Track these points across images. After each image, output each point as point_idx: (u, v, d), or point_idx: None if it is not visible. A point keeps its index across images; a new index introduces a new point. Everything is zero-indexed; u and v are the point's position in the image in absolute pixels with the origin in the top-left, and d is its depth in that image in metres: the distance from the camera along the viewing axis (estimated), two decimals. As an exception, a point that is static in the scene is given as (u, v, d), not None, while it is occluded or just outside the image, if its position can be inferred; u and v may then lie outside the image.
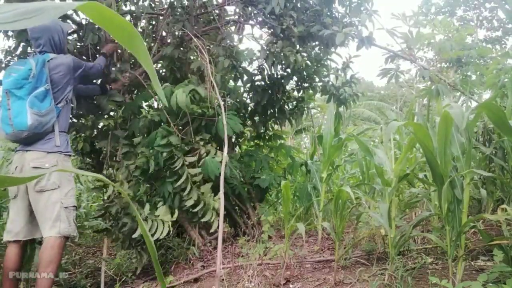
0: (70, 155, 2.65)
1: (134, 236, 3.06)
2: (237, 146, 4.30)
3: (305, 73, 3.92)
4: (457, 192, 2.11)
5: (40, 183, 2.45)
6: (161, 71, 3.87)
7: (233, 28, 3.76)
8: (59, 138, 2.56)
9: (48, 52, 2.62)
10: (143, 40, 0.53)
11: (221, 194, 2.23)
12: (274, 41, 3.29)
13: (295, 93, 4.23)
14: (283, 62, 3.30)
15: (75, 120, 3.42)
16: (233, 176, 3.47)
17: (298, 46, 3.45)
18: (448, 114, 1.97)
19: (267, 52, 3.26)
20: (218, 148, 3.38)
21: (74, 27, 2.80)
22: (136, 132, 3.30)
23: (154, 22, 3.73)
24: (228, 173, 3.31)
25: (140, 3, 3.47)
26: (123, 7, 3.57)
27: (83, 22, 3.29)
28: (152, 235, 2.94)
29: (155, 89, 0.61)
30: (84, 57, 3.28)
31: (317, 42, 3.60)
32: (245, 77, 3.91)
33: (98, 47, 3.24)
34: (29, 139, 2.48)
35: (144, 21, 3.52)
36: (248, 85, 3.97)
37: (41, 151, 2.49)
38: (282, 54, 3.20)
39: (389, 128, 2.26)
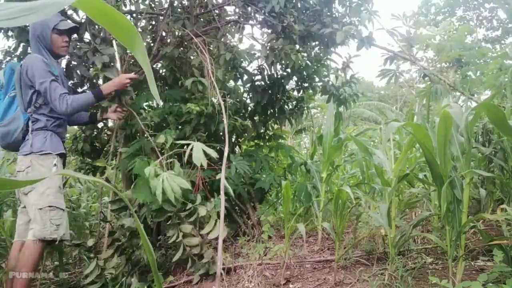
0: (47, 153, 2.45)
1: (173, 260, 2.90)
2: (237, 146, 4.30)
3: (305, 73, 3.92)
4: (457, 192, 2.11)
5: None
6: (161, 71, 3.87)
7: (233, 28, 3.76)
8: (32, 139, 2.45)
9: (34, 53, 2.54)
10: (140, 37, 0.53)
11: (221, 194, 2.23)
12: (275, 39, 3.29)
13: (295, 93, 4.23)
14: (283, 60, 3.29)
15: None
16: (232, 177, 3.47)
17: (298, 46, 3.45)
18: (447, 114, 1.97)
19: (268, 49, 3.25)
20: (218, 148, 3.38)
21: (73, 24, 2.68)
22: (136, 132, 3.30)
23: (154, 22, 3.73)
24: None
25: (140, 1, 3.47)
26: (123, 7, 3.57)
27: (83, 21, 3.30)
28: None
29: (150, 88, 0.61)
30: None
31: (317, 42, 3.60)
32: (245, 77, 3.91)
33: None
34: (12, 145, 2.53)
35: (144, 21, 3.52)
36: (248, 85, 3.97)
37: (20, 155, 2.48)
38: (283, 52, 3.19)
39: (388, 129, 2.26)
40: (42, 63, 2.44)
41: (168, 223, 2.84)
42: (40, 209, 2.34)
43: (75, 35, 3.28)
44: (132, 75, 2.63)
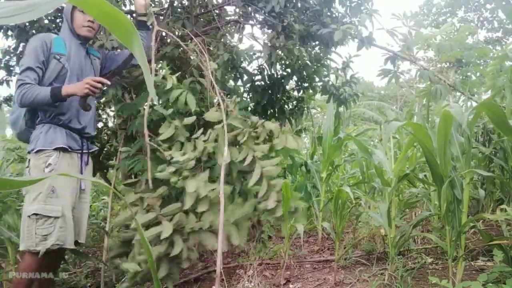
0: (39, 150, 2.15)
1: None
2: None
3: (305, 73, 3.92)
4: (457, 192, 2.11)
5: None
6: (161, 71, 3.87)
7: (233, 28, 3.76)
8: (32, 136, 2.22)
9: (60, 31, 2.37)
10: (138, 34, 0.53)
11: (221, 194, 2.22)
12: (277, 37, 3.29)
13: (295, 93, 4.23)
14: (286, 58, 3.28)
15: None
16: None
17: (298, 46, 3.45)
18: (448, 113, 1.97)
19: (270, 46, 3.24)
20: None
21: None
22: (136, 132, 3.30)
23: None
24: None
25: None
26: (123, 7, 3.57)
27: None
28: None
29: (147, 85, 0.61)
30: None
31: (317, 42, 3.59)
32: (245, 77, 3.91)
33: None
34: (22, 136, 2.35)
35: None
36: (248, 85, 3.97)
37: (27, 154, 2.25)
38: (285, 48, 3.17)
39: (388, 128, 2.26)
40: (36, 43, 2.19)
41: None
42: (29, 216, 2.09)
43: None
44: (100, 78, 2.14)
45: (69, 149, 2.23)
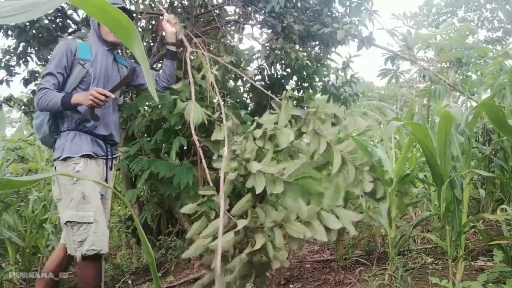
0: (67, 158, 2.17)
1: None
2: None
3: (305, 73, 3.92)
4: (457, 192, 2.11)
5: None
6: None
7: (233, 28, 3.76)
8: (57, 143, 2.24)
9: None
10: (139, 35, 0.53)
11: (221, 194, 2.22)
12: (275, 38, 3.29)
13: (295, 93, 4.23)
14: (284, 59, 3.28)
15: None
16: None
17: (297, 46, 3.45)
18: (448, 113, 1.97)
19: (268, 49, 3.25)
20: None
21: (121, 4, 2.39)
22: (136, 132, 3.30)
23: (154, 22, 3.73)
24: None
25: (140, 1, 3.47)
26: (123, 7, 3.57)
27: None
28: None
29: (148, 86, 0.60)
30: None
31: (317, 42, 3.60)
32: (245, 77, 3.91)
33: None
34: (45, 140, 2.36)
35: (144, 20, 3.52)
36: (248, 85, 3.97)
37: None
38: (283, 51, 3.18)
39: (389, 128, 2.25)
40: (60, 49, 2.21)
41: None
42: (65, 223, 2.14)
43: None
44: (104, 91, 2.10)
45: (95, 156, 2.25)
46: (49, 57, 2.35)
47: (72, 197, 2.12)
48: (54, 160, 2.22)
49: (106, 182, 2.31)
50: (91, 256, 2.12)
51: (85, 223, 2.12)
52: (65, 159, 2.16)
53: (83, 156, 2.19)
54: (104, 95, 2.09)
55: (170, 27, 2.51)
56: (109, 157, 2.34)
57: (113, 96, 2.17)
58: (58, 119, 2.26)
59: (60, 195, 2.15)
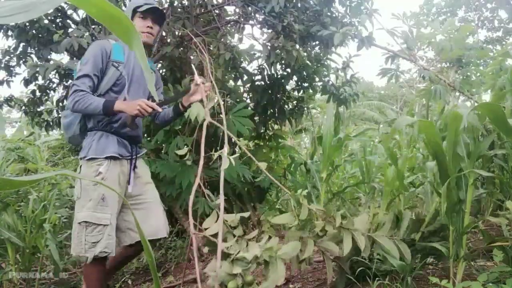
0: (91, 159, 2.17)
1: None
2: (237, 146, 4.30)
3: (305, 73, 3.92)
4: (461, 193, 2.10)
5: None
6: (161, 71, 3.87)
7: (233, 28, 3.76)
8: (84, 142, 2.26)
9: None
10: (138, 34, 0.53)
11: (221, 194, 2.22)
12: (276, 37, 3.29)
13: (295, 93, 4.23)
14: (285, 59, 3.28)
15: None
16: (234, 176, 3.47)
17: (298, 46, 3.45)
18: (458, 114, 1.96)
19: (269, 48, 3.24)
20: (218, 148, 3.38)
21: (154, 4, 2.33)
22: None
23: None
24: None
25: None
26: (123, 7, 3.57)
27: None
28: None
29: (148, 86, 0.61)
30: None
31: (317, 42, 3.60)
32: (245, 77, 3.91)
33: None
34: (73, 140, 2.37)
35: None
36: (248, 85, 3.97)
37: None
38: (284, 49, 3.17)
39: (397, 124, 2.22)
40: (96, 50, 2.20)
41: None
42: (79, 223, 2.13)
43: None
44: (152, 104, 2.11)
45: (119, 157, 2.24)
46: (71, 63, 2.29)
47: (91, 197, 2.13)
48: (80, 159, 2.23)
49: (129, 182, 2.30)
50: (100, 258, 2.13)
51: (101, 224, 2.12)
52: (90, 159, 2.17)
53: (107, 158, 2.19)
54: (152, 108, 2.10)
55: (197, 96, 2.33)
56: (133, 156, 2.34)
57: (160, 110, 2.17)
58: (86, 119, 2.27)
59: (80, 194, 2.16)
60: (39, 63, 3.69)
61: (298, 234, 1.98)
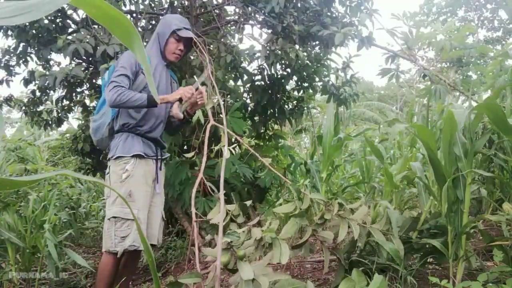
0: (118, 157, 2.29)
1: None
2: (237, 146, 4.30)
3: (305, 73, 3.92)
4: (459, 192, 2.10)
5: None
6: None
7: (233, 28, 3.76)
8: (112, 143, 2.38)
9: (148, 45, 2.51)
10: (139, 35, 0.53)
11: (221, 194, 2.22)
12: (275, 39, 3.29)
13: (295, 93, 4.23)
14: (284, 60, 3.28)
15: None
16: (234, 176, 3.47)
17: (297, 46, 3.45)
18: (453, 114, 1.96)
19: (268, 50, 3.25)
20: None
21: (192, 35, 2.45)
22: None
23: (154, 22, 3.73)
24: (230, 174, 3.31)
25: (140, 1, 3.47)
26: (123, 7, 3.57)
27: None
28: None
29: (149, 86, 0.61)
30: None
31: (317, 42, 3.60)
32: (245, 77, 3.91)
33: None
34: (102, 142, 2.49)
35: (144, 21, 3.52)
36: (248, 85, 3.97)
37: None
38: (283, 51, 3.18)
39: (393, 130, 2.24)
40: (131, 57, 2.32)
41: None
42: (109, 219, 2.24)
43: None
44: (190, 87, 2.32)
45: (145, 156, 2.36)
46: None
47: (117, 194, 2.21)
48: (108, 159, 2.35)
49: (157, 181, 2.44)
50: (131, 252, 2.25)
51: (129, 219, 2.22)
52: (117, 158, 2.29)
53: (134, 156, 2.30)
54: (192, 93, 2.31)
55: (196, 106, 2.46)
56: (158, 157, 2.46)
57: (204, 91, 2.35)
58: (114, 122, 2.39)
59: (110, 192, 2.30)
60: (38, 63, 3.69)
61: (298, 222, 2.04)
